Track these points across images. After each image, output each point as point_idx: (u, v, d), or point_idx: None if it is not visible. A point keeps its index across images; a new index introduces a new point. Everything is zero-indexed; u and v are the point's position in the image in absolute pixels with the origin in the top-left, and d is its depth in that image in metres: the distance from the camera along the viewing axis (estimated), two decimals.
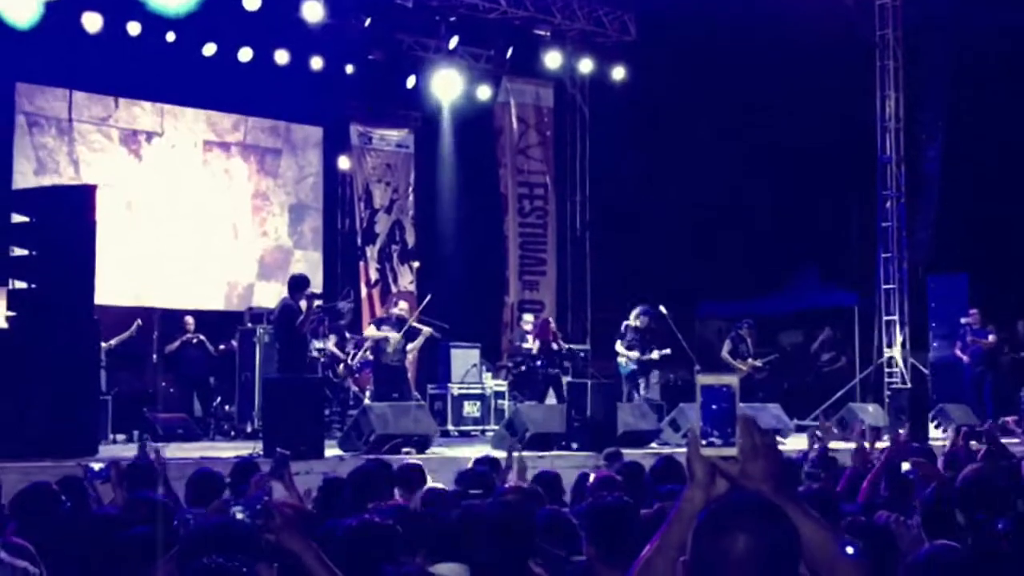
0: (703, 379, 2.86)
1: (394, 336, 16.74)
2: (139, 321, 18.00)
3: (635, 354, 17.94)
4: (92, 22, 18.10)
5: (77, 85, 19.78)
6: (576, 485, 8.22)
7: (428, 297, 17.52)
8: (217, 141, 21.66)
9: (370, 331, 17.27)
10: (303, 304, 14.04)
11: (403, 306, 17.37)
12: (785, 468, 2.90)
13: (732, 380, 2.87)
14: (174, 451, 13.76)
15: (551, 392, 18.17)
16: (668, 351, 18.03)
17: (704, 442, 2.84)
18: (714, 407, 2.83)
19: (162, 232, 20.66)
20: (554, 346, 18.04)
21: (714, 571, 2.69)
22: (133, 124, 20.61)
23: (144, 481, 8.18)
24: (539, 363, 18.19)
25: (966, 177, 23.79)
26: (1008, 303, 20.32)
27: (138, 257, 20.28)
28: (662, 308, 19.08)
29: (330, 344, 18.39)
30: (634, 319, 18.24)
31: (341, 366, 18.46)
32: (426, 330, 17.39)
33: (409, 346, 17.29)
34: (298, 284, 14.42)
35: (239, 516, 4.24)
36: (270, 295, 20.83)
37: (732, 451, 2.83)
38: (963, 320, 20.14)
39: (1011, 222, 23.25)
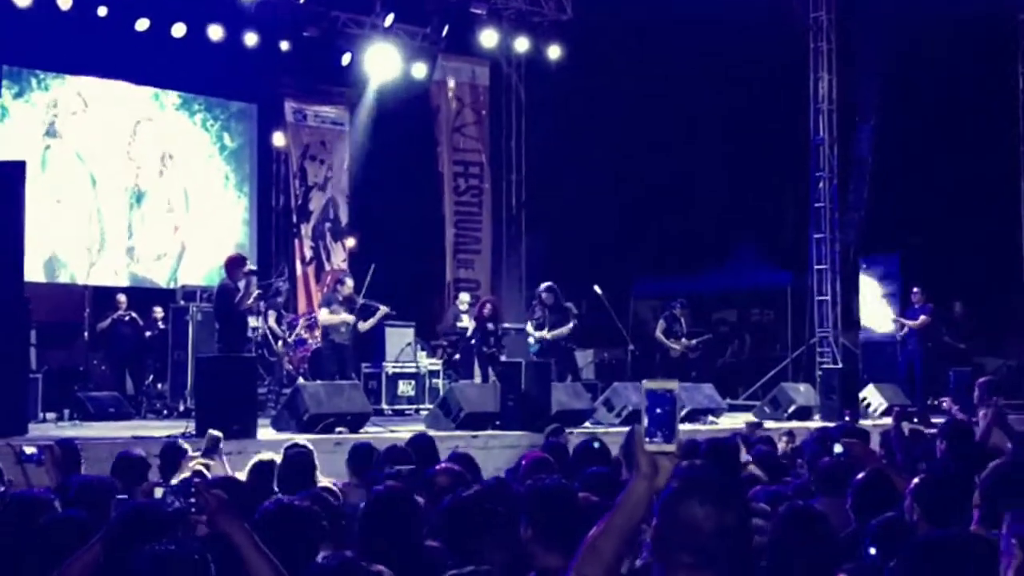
0: (648, 384, 3.32)
1: (348, 317, 16.67)
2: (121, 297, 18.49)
3: (542, 333, 17.71)
4: None
5: (5, 59, 19.50)
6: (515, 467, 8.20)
7: (372, 267, 17.38)
8: (149, 117, 21.46)
9: (323, 314, 17.09)
10: (241, 284, 14.02)
11: (350, 284, 17.24)
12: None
13: (673, 385, 3.31)
14: (105, 430, 13.66)
15: (490, 372, 18.08)
16: (563, 330, 17.73)
17: (648, 439, 3.28)
18: (658, 410, 3.27)
19: (92, 208, 20.48)
20: (489, 325, 17.97)
21: (681, 535, 3.14)
22: (64, 98, 20.35)
23: (74, 464, 8.13)
24: (473, 342, 18.15)
25: (898, 159, 24.03)
26: (938, 283, 20.52)
27: (68, 234, 20.11)
28: (596, 288, 19.07)
29: (271, 321, 18.31)
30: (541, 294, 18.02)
31: (279, 343, 18.36)
32: (383, 309, 17.32)
33: (364, 324, 17.16)
34: (235, 263, 14.37)
35: (168, 499, 4.21)
36: (202, 273, 20.76)
37: (671, 447, 3.29)
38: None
39: (942, 203, 23.52)
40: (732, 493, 3.25)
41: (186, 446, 8.96)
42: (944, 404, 17.63)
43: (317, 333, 18.02)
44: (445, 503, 5.15)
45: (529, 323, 18.00)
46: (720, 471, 3.43)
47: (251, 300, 14.34)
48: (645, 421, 3.29)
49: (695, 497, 3.16)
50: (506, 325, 19.12)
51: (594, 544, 3.36)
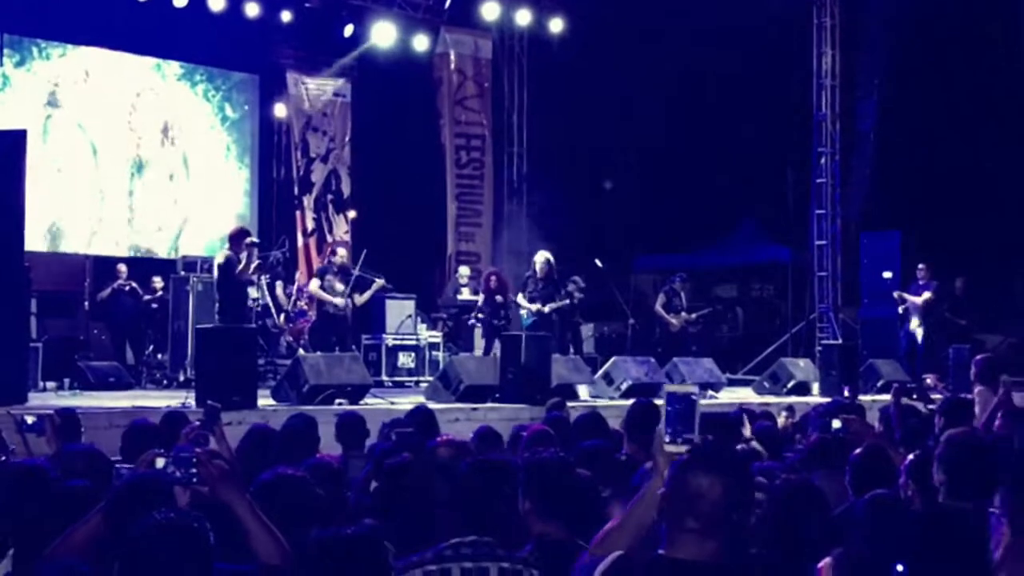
0: (669, 388, 3.64)
1: (339, 286, 16.63)
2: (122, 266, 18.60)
3: (535, 306, 17.45)
4: None
5: (7, 28, 19.43)
6: (512, 439, 8.21)
7: (363, 253, 17.26)
8: (150, 87, 21.42)
9: (314, 285, 17.03)
10: (243, 255, 14.07)
11: (343, 253, 17.19)
12: None
13: (693, 389, 3.64)
14: (105, 399, 13.68)
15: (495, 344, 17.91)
16: (560, 304, 17.58)
17: (668, 440, 3.57)
18: (678, 411, 3.56)
19: (93, 178, 20.47)
20: (498, 298, 17.89)
21: (687, 503, 3.38)
22: (65, 68, 20.32)
23: (75, 433, 8.13)
24: (482, 315, 18.05)
25: (900, 135, 23.98)
26: (938, 261, 20.51)
27: (69, 203, 20.11)
28: (597, 261, 19.05)
29: (279, 291, 18.33)
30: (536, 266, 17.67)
31: (282, 316, 18.36)
32: (379, 281, 17.20)
33: (359, 297, 17.05)
34: (238, 236, 14.46)
35: (169, 468, 4.21)
36: (203, 243, 20.77)
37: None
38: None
39: (944, 180, 23.48)
40: (737, 465, 3.49)
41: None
42: (928, 380, 17.61)
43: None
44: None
45: (520, 295, 17.73)
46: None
47: (251, 271, 14.38)
48: (665, 423, 3.56)
49: (702, 467, 3.40)
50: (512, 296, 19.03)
51: (609, 533, 3.75)
